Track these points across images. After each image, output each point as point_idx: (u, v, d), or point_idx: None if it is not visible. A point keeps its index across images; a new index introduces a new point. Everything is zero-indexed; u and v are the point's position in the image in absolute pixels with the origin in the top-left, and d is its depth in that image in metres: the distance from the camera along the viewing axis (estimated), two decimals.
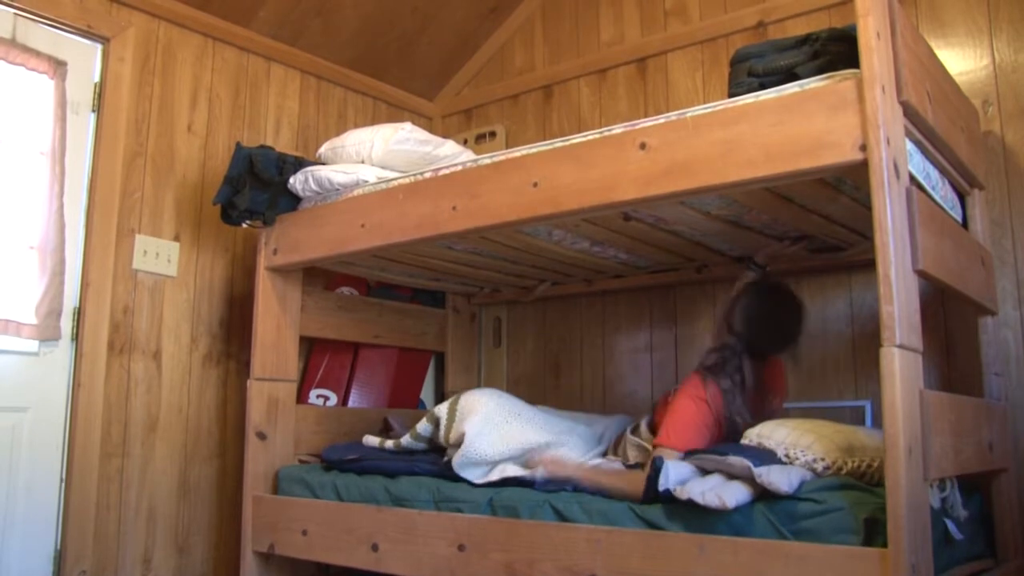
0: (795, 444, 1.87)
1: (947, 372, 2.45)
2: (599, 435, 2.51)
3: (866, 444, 1.90)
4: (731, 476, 1.80)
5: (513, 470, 2.23)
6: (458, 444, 2.28)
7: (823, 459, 1.83)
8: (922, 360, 1.65)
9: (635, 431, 2.45)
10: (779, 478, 1.69)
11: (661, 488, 1.80)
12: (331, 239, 2.53)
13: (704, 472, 1.89)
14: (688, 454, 2.00)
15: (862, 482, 1.80)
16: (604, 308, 3.23)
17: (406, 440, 2.50)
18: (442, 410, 2.43)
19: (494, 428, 2.28)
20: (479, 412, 2.32)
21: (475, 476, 2.26)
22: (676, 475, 1.84)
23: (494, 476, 2.24)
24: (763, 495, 1.74)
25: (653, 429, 2.37)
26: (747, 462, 1.75)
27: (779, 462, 1.83)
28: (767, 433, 1.94)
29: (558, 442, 2.31)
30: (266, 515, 2.57)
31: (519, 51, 3.62)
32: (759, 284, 2.39)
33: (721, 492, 1.71)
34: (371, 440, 2.63)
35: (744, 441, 1.98)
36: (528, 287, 3.26)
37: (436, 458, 2.43)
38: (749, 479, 1.75)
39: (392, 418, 3.01)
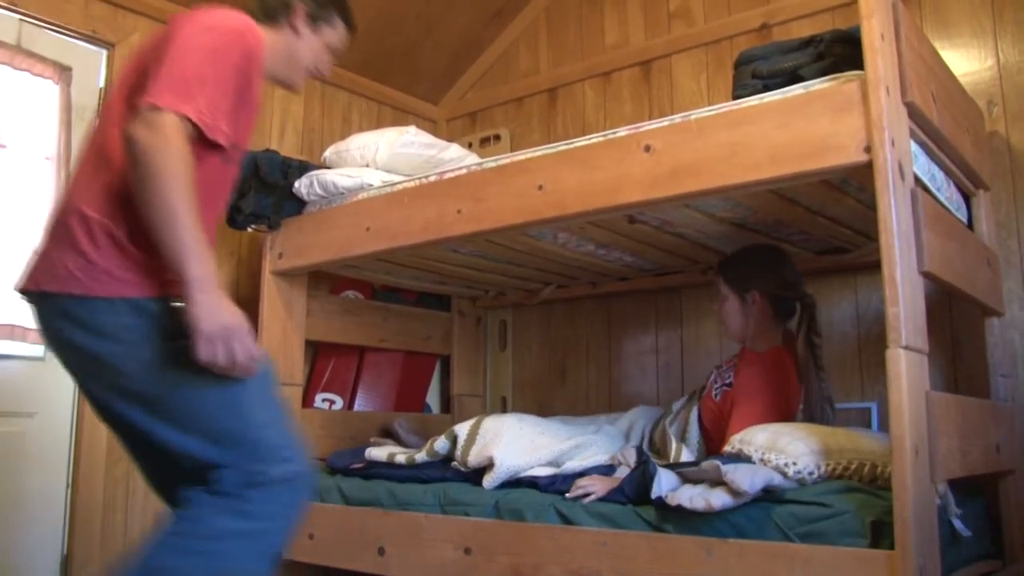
0: (771, 448, 1.87)
1: (953, 374, 2.45)
2: (625, 431, 2.52)
3: (844, 447, 1.88)
4: (714, 484, 1.82)
5: (542, 471, 2.22)
6: (480, 467, 2.26)
7: (795, 463, 1.82)
8: (928, 361, 1.64)
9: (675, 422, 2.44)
10: (742, 477, 1.71)
11: (654, 495, 1.83)
12: (336, 243, 2.53)
13: (692, 482, 1.90)
14: (676, 465, 2.02)
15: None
16: (610, 311, 3.22)
17: (420, 456, 2.42)
18: (462, 430, 2.35)
19: (520, 441, 2.27)
20: (505, 435, 2.27)
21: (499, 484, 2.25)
22: (667, 483, 1.88)
23: (520, 475, 2.23)
24: (765, 498, 1.75)
25: (703, 428, 2.37)
26: (716, 462, 1.79)
27: None
28: (748, 439, 1.94)
29: (586, 443, 2.31)
30: None
31: (523, 54, 3.62)
32: (752, 247, 2.41)
33: (707, 495, 1.74)
34: (376, 455, 2.51)
35: (726, 448, 1.98)
36: (533, 290, 3.26)
37: (445, 469, 2.38)
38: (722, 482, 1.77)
39: (399, 423, 2.93)
